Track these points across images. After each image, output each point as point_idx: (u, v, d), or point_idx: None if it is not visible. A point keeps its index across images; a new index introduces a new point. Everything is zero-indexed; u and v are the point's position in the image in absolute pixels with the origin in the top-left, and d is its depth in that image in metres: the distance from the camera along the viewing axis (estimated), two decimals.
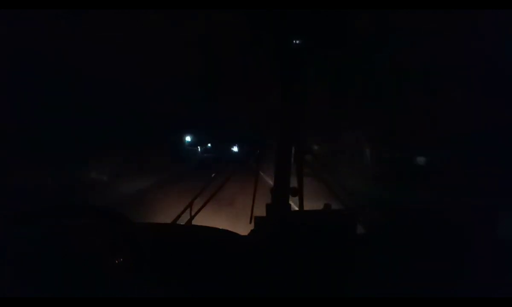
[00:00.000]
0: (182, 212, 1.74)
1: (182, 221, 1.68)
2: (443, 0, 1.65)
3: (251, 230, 1.41)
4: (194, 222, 1.69)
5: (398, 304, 0.96)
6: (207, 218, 1.71)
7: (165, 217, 1.72)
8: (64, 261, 1.15)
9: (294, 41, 1.37)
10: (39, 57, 7.65)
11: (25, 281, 0.94)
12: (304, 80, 1.48)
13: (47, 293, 0.89)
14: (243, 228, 1.47)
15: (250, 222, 1.50)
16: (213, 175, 2.45)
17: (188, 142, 39.08)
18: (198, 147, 43.07)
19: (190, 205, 1.74)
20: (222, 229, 1.44)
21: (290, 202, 1.58)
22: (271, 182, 1.57)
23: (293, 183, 1.58)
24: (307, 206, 1.62)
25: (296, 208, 1.68)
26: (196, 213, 1.72)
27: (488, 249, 1.17)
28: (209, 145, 50.94)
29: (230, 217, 5.46)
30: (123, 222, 1.16)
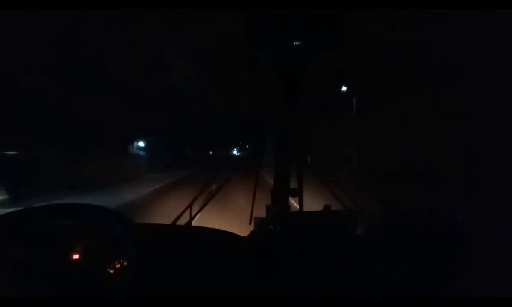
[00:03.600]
0: (182, 212, 1.74)
1: (182, 221, 1.68)
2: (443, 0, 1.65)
3: (251, 231, 1.41)
4: (194, 222, 1.70)
5: (398, 304, 0.96)
6: (207, 219, 1.71)
7: None
8: (64, 261, 1.15)
9: (295, 42, 1.37)
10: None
11: (25, 281, 0.94)
12: (304, 81, 1.48)
13: (46, 293, 0.89)
14: (242, 229, 1.48)
15: (250, 223, 1.50)
16: None
17: None
18: None
19: (190, 206, 1.74)
20: (222, 230, 1.44)
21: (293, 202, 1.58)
22: (271, 182, 1.57)
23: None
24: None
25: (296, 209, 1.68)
26: (196, 214, 1.72)
27: (487, 249, 1.17)
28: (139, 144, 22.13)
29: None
30: (123, 222, 1.16)
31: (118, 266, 1.11)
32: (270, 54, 1.51)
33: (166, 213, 6.91)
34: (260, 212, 1.50)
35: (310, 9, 1.29)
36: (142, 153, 20.84)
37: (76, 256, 1.15)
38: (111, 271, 1.11)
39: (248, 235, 1.39)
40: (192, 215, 1.71)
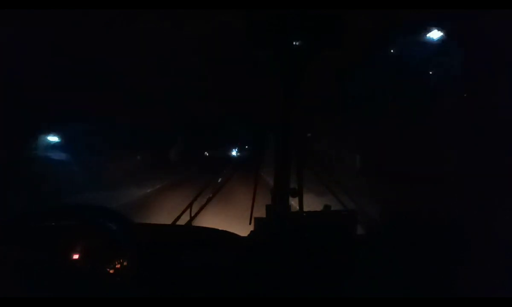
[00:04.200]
0: (182, 212, 1.74)
1: (182, 221, 1.68)
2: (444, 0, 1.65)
3: (251, 231, 1.41)
4: (194, 222, 1.70)
5: (398, 304, 0.96)
6: (207, 219, 1.71)
7: None
8: (64, 261, 1.15)
9: (295, 42, 1.37)
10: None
11: (25, 281, 0.94)
12: (304, 81, 1.48)
13: (46, 293, 0.89)
14: (242, 229, 1.48)
15: (250, 223, 1.50)
16: None
17: None
18: None
19: (190, 206, 1.74)
20: (222, 230, 1.45)
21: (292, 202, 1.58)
22: (271, 182, 1.57)
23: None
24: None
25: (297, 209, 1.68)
26: (196, 214, 1.72)
27: (487, 249, 1.17)
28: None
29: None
30: (123, 222, 1.16)
31: (118, 266, 1.11)
32: (270, 54, 1.51)
33: None
34: (260, 212, 1.50)
35: (310, 9, 1.29)
36: (58, 155, 10.41)
37: (76, 256, 1.15)
38: (111, 271, 1.11)
39: (248, 235, 1.39)
40: (192, 215, 1.71)
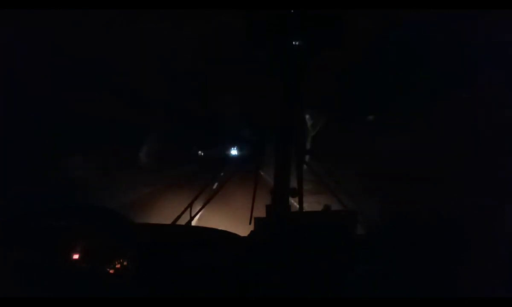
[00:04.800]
0: (182, 212, 1.74)
1: (182, 221, 1.68)
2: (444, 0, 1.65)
3: (251, 231, 1.41)
4: (194, 222, 1.69)
5: (398, 304, 0.96)
6: (207, 219, 1.71)
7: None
8: (65, 261, 1.15)
9: (295, 41, 1.37)
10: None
11: (25, 281, 0.94)
12: (304, 81, 1.48)
13: (46, 293, 0.89)
14: (243, 229, 1.48)
15: (250, 223, 1.50)
16: None
17: None
18: None
19: (190, 206, 1.74)
20: (222, 230, 1.45)
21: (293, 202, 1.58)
22: (271, 182, 1.57)
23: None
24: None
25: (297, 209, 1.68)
26: (196, 214, 1.72)
27: (488, 249, 1.17)
28: None
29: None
30: (123, 222, 1.16)
31: (118, 266, 1.11)
32: (270, 54, 1.51)
33: None
34: (260, 212, 1.50)
35: (310, 9, 1.29)
36: None
37: (76, 256, 1.15)
38: (111, 271, 1.11)
39: (248, 235, 1.39)
40: (192, 215, 1.71)
